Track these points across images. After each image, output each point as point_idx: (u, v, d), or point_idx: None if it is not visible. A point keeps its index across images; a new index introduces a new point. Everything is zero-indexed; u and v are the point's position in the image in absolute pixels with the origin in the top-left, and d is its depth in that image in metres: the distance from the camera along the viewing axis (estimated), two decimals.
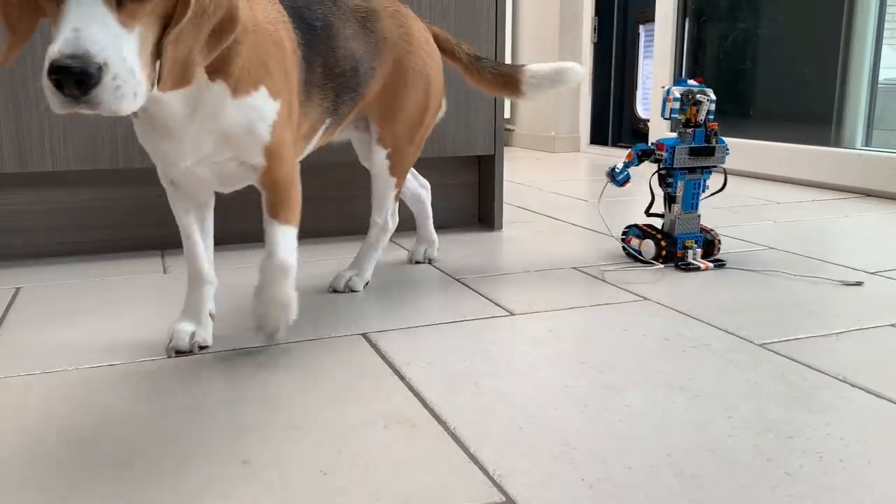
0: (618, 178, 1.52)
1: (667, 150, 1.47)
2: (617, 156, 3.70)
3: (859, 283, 1.36)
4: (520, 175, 3.03)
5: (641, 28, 3.75)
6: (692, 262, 1.48)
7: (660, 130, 3.35)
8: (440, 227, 1.87)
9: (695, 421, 0.81)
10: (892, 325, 1.11)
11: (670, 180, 1.49)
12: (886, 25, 2.48)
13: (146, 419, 0.68)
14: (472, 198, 1.92)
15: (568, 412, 0.83)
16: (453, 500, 0.66)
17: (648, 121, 3.50)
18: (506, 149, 4.29)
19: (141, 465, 0.72)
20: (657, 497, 0.66)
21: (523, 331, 1.10)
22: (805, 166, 2.62)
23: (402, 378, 0.93)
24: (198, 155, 0.93)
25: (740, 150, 2.90)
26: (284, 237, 1.01)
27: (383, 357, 1.00)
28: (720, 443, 0.76)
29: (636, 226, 1.56)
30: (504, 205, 1.86)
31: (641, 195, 2.36)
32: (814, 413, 0.82)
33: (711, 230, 1.54)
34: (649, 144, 1.51)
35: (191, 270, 1.05)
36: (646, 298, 1.26)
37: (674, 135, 1.51)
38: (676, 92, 1.49)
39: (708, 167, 1.50)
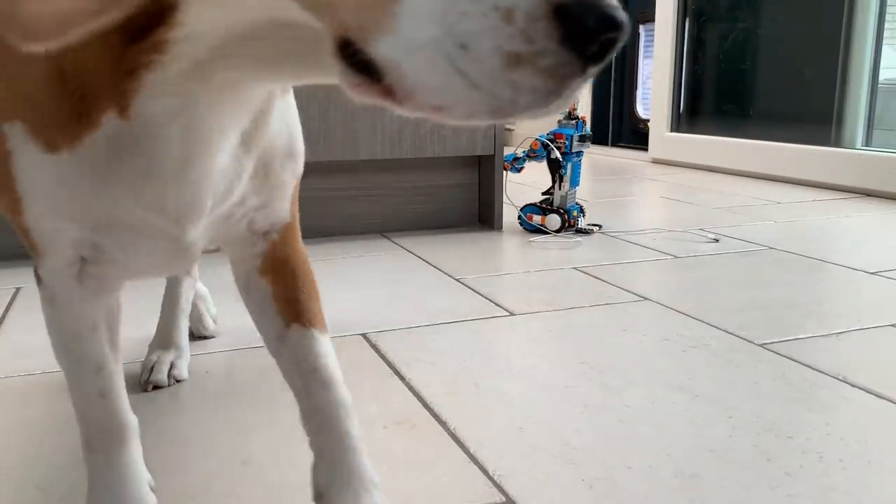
0: (517, 166, 1.82)
1: (567, 139, 1.78)
2: (617, 155, 3.70)
3: (716, 240, 1.67)
4: (519, 175, 3.02)
5: (641, 28, 3.74)
6: (585, 227, 1.80)
7: (660, 129, 3.35)
8: (441, 227, 1.87)
9: (695, 421, 0.81)
10: (893, 325, 1.11)
11: (563, 162, 1.78)
12: (886, 25, 2.48)
13: (146, 419, 0.68)
14: (472, 198, 1.92)
15: (568, 412, 0.83)
16: (453, 501, 0.66)
17: (648, 121, 3.49)
18: (506, 149, 4.28)
19: None
20: (657, 497, 0.66)
21: (523, 331, 1.10)
22: (805, 166, 2.62)
23: (401, 378, 0.93)
24: (220, 202, 0.49)
25: (741, 150, 2.90)
26: (333, 355, 0.62)
27: (383, 357, 1.00)
28: (720, 443, 0.76)
29: (533, 204, 1.82)
30: (504, 205, 1.86)
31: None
32: (814, 413, 0.82)
33: (580, 204, 1.86)
34: (548, 135, 1.79)
35: (107, 423, 0.58)
36: (646, 298, 1.26)
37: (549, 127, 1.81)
38: None
39: (581, 151, 1.81)
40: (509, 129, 4.50)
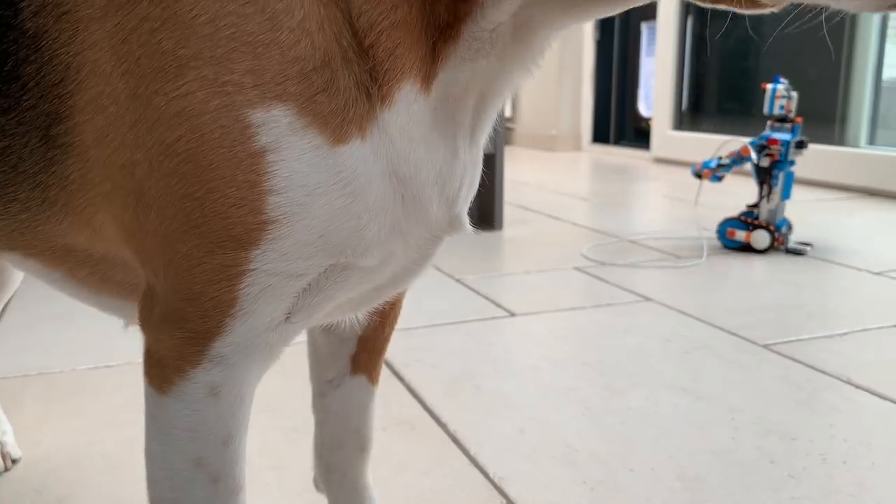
0: (718, 174, 1.60)
1: (782, 145, 1.54)
2: (619, 154, 3.69)
3: (804, 250, 1.56)
4: (520, 174, 3.02)
5: (644, 25, 3.73)
6: (796, 246, 1.57)
7: (662, 128, 3.34)
8: None
9: (697, 423, 0.80)
10: None
11: (774, 172, 1.55)
12: (890, 24, 2.47)
13: (144, 420, 0.67)
14: (473, 197, 1.91)
15: (569, 414, 0.82)
16: (453, 503, 0.65)
17: (651, 119, 3.49)
18: (506, 147, 4.28)
19: (137, 467, 0.71)
20: (659, 499, 0.65)
21: (524, 332, 1.10)
22: (809, 165, 2.61)
23: (401, 380, 0.92)
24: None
25: None
26: (374, 412, 0.56)
27: None
28: (723, 445, 0.75)
29: (736, 219, 1.60)
30: (504, 204, 1.86)
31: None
32: (817, 415, 0.82)
33: (788, 219, 1.62)
34: (760, 139, 1.56)
35: None
36: (648, 299, 1.25)
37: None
38: (782, 89, 1.55)
39: (793, 160, 1.57)
40: (510, 128, 4.49)
